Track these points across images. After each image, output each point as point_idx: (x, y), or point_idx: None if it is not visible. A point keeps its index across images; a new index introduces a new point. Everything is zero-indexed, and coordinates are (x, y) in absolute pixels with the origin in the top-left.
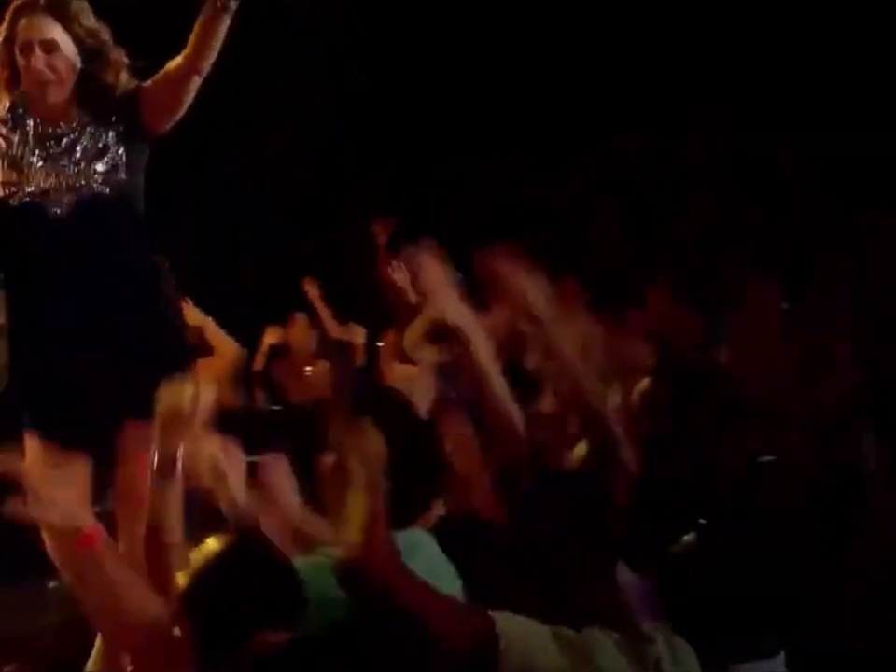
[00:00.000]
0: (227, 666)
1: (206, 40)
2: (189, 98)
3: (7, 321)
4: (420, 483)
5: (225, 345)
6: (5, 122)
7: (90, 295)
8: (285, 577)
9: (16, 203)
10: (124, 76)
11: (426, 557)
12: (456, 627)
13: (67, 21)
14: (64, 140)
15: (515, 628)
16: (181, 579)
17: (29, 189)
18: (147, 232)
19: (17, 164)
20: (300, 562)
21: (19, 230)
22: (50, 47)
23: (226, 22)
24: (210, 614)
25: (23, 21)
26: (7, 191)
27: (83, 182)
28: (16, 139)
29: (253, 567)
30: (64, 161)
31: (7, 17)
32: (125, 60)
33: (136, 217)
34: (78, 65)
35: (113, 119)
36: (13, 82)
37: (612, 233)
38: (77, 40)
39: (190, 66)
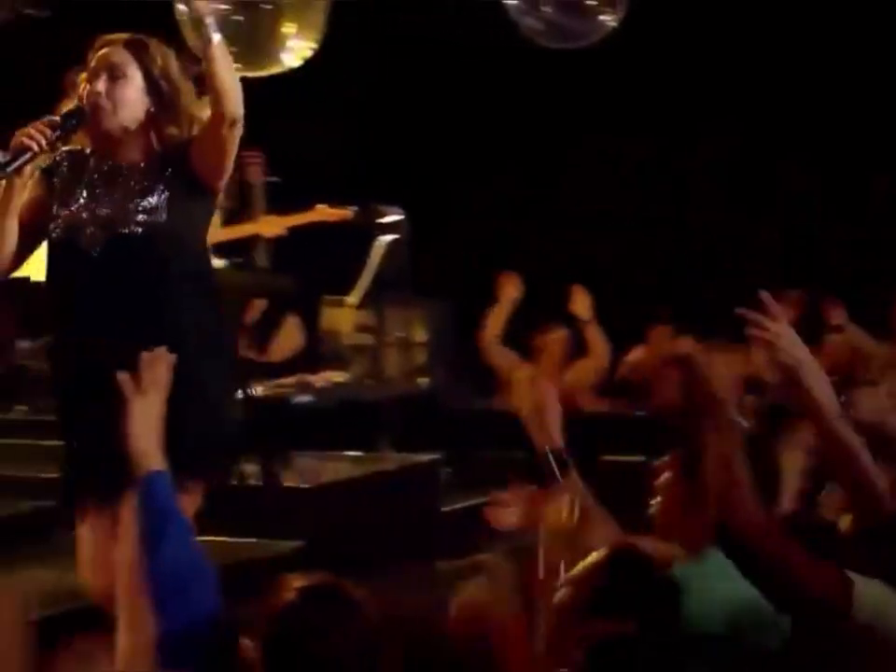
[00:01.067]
0: None
1: (214, 81)
2: (229, 147)
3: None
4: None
5: (600, 348)
6: (63, 156)
7: (109, 339)
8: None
9: (55, 234)
10: (195, 130)
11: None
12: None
13: (144, 59)
14: (111, 177)
15: (872, 588)
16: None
17: (68, 222)
18: (185, 281)
19: (62, 197)
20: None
21: (56, 261)
22: (116, 74)
23: (225, 59)
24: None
25: (99, 54)
26: (52, 223)
27: (119, 221)
28: (66, 171)
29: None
30: (106, 198)
31: (89, 56)
32: (202, 115)
33: (170, 264)
34: (145, 106)
35: (163, 163)
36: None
37: None
38: (151, 81)
39: (215, 115)
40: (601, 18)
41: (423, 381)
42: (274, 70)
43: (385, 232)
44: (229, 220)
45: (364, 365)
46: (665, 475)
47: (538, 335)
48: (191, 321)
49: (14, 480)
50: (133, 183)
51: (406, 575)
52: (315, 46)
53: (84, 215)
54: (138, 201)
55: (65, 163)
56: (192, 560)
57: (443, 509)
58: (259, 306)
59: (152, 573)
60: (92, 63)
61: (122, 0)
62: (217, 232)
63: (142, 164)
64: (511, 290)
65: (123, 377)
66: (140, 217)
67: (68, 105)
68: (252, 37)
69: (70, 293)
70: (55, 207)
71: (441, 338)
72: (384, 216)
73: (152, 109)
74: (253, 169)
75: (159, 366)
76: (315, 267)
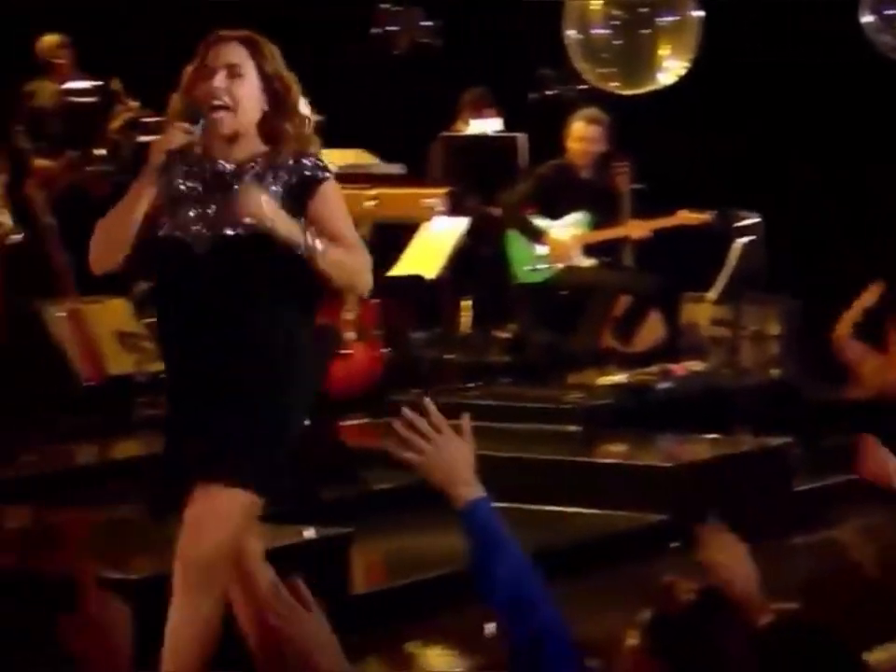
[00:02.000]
0: None
1: (327, 274)
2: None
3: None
4: None
5: None
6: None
7: (209, 341)
8: None
9: (164, 233)
10: (307, 131)
11: None
12: None
13: (259, 58)
14: (221, 177)
15: None
16: None
17: (177, 221)
18: (282, 286)
19: (171, 196)
20: None
21: (164, 259)
22: (235, 72)
23: (333, 268)
24: None
25: (214, 51)
26: (159, 221)
27: (226, 223)
28: (178, 171)
29: None
30: (216, 199)
31: (201, 50)
32: (312, 116)
33: (272, 273)
34: (261, 106)
35: (284, 176)
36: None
37: None
38: (265, 80)
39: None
40: None
41: (776, 371)
42: (650, 88)
43: (742, 235)
44: (598, 225)
45: (721, 356)
46: None
47: (890, 325)
48: (282, 326)
49: None
50: (241, 184)
51: (762, 549)
52: (688, 65)
53: (192, 214)
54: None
55: (177, 163)
56: (526, 575)
57: (796, 489)
58: (625, 301)
59: (494, 597)
60: (208, 60)
61: None
62: (589, 235)
63: (251, 165)
64: (868, 297)
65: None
66: (247, 223)
67: (177, 101)
68: (631, 59)
69: (177, 292)
70: (166, 205)
71: (793, 332)
72: (742, 219)
73: (266, 108)
74: (621, 178)
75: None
76: (677, 266)
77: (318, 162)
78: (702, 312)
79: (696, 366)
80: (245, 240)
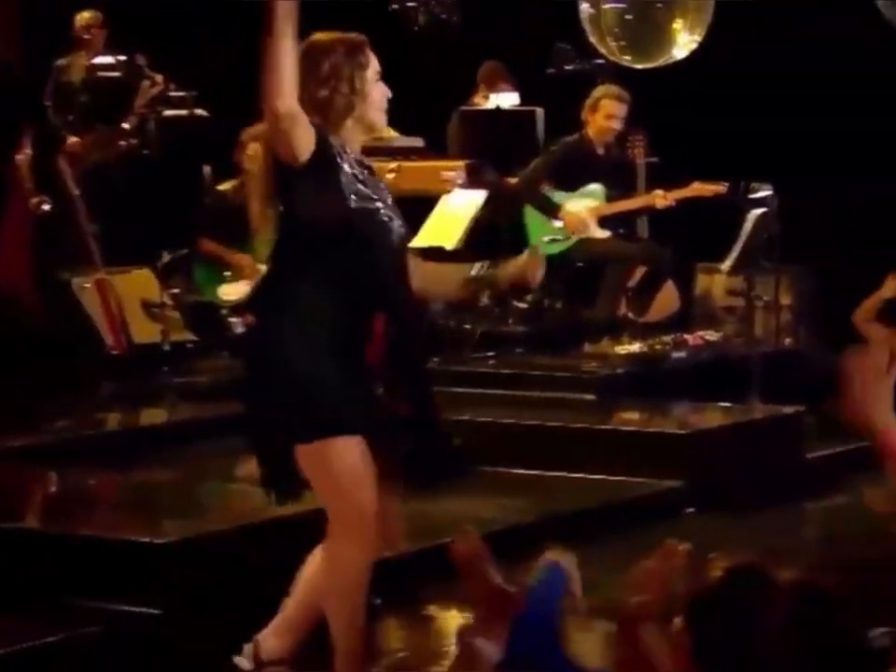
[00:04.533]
0: None
1: None
2: None
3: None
4: None
5: None
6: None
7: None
8: None
9: (379, 218)
10: None
11: None
12: None
13: None
14: (368, 169)
15: None
16: None
17: (382, 208)
18: None
19: (361, 184)
20: None
21: (375, 239)
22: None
23: None
24: None
25: (370, 51)
26: (370, 206)
27: (392, 208)
28: (345, 162)
29: None
30: (377, 187)
31: (363, 48)
32: None
33: None
34: None
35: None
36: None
37: None
38: None
39: None
40: None
41: (788, 340)
42: (663, 62)
43: (755, 206)
44: (613, 197)
45: (734, 325)
46: None
47: None
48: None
49: None
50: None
51: (774, 514)
52: (699, 39)
53: (369, 192)
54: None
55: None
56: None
57: (807, 456)
58: (640, 272)
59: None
60: (375, 66)
61: None
62: (604, 207)
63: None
64: (888, 291)
65: None
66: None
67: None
68: (644, 33)
69: (375, 257)
70: (342, 178)
71: (805, 301)
72: (755, 191)
73: None
74: (636, 151)
75: None
76: (690, 237)
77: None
78: (716, 282)
79: (710, 335)
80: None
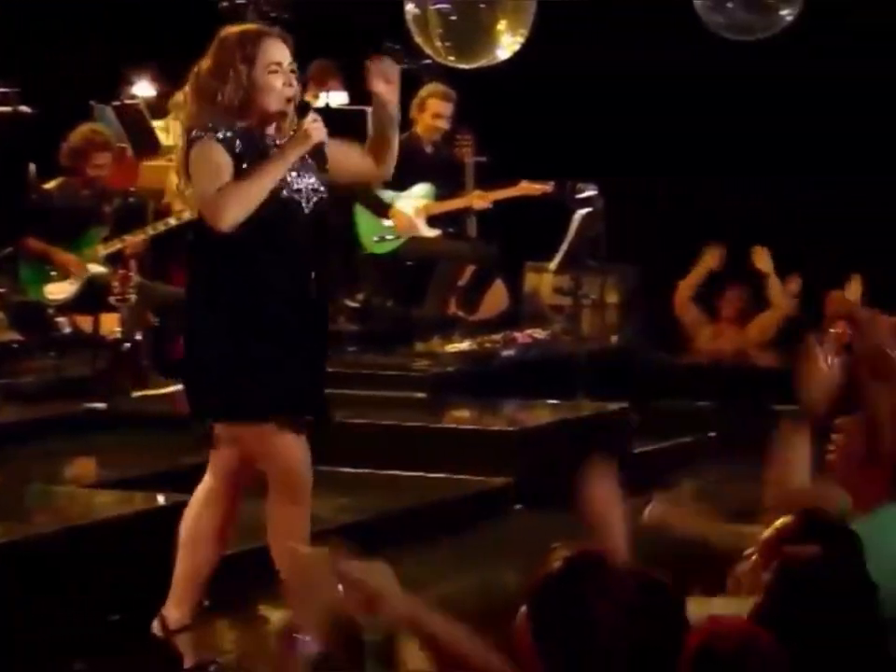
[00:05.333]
0: None
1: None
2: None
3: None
4: None
5: (781, 300)
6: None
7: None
8: None
9: (285, 195)
10: None
11: None
12: None
13: (291, 53)
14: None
15: None
16: None
17: (294, 187)
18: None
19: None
20: None
21: (281, 215)
22: (293, 71)
23: None
24: None
25: (268, 43)
26: (279, 184)
27: (320, 188)
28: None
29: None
30: (305, 169)
31: (250, 40)
32: None
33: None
34: None
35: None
36: (250, 103)
37: None
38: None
39: None
40: (780, 13)
41: (614, 338)
42: (487, 62)
43: (581, 206)
44: (442, 196)
45: (562, 323)
46: (845, 429)
47: (723, 293)
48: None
49: None
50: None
51: None
52: (522, 40)
53: (300, 183)
54: (314, 175)
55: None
56: None
57: (634, 451)
58: (469, 270)
59: None
60: (270, 57)
61: None
62: (433, 206)
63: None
64: (711, 260)
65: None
66: (323, 188)
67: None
68: (467, 33)
69: (289, 241)
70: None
71: (631, 300)
72: (581, 191)
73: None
74: (464, 151)
75: None
76: (519, 236)
77: None
78: (544, 281)
79: (538, 333)
80: (324, 204)
